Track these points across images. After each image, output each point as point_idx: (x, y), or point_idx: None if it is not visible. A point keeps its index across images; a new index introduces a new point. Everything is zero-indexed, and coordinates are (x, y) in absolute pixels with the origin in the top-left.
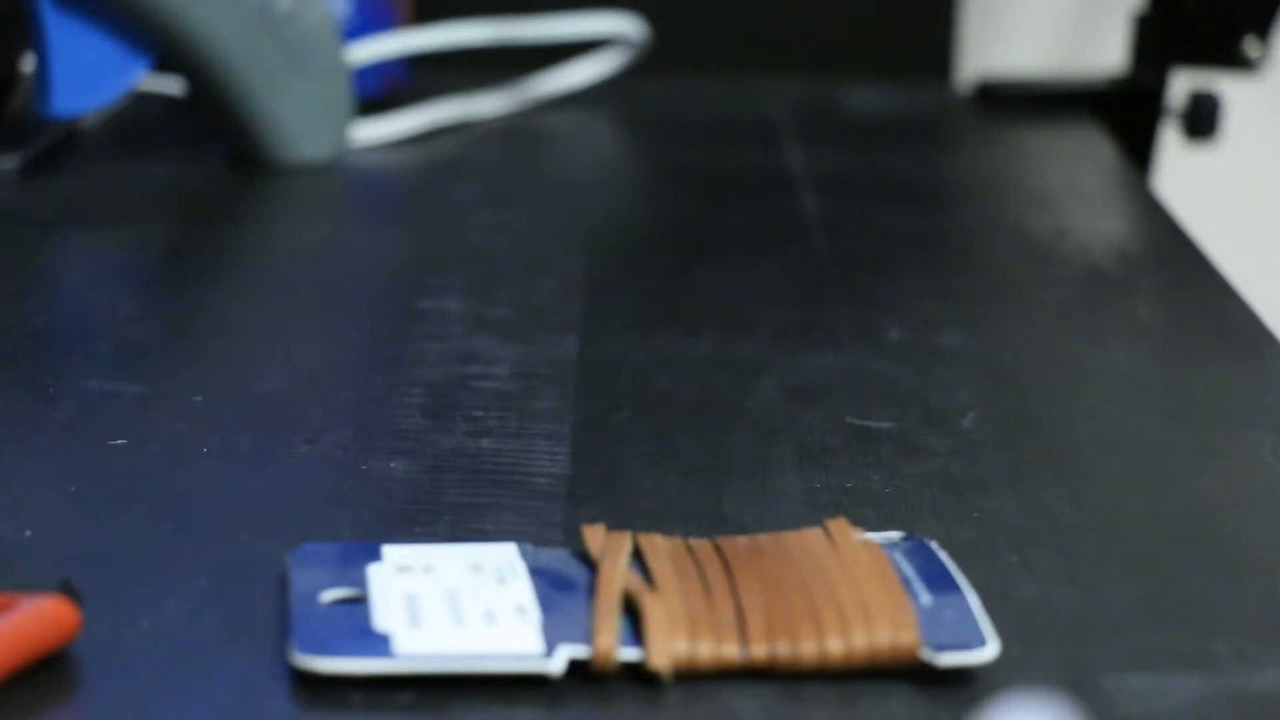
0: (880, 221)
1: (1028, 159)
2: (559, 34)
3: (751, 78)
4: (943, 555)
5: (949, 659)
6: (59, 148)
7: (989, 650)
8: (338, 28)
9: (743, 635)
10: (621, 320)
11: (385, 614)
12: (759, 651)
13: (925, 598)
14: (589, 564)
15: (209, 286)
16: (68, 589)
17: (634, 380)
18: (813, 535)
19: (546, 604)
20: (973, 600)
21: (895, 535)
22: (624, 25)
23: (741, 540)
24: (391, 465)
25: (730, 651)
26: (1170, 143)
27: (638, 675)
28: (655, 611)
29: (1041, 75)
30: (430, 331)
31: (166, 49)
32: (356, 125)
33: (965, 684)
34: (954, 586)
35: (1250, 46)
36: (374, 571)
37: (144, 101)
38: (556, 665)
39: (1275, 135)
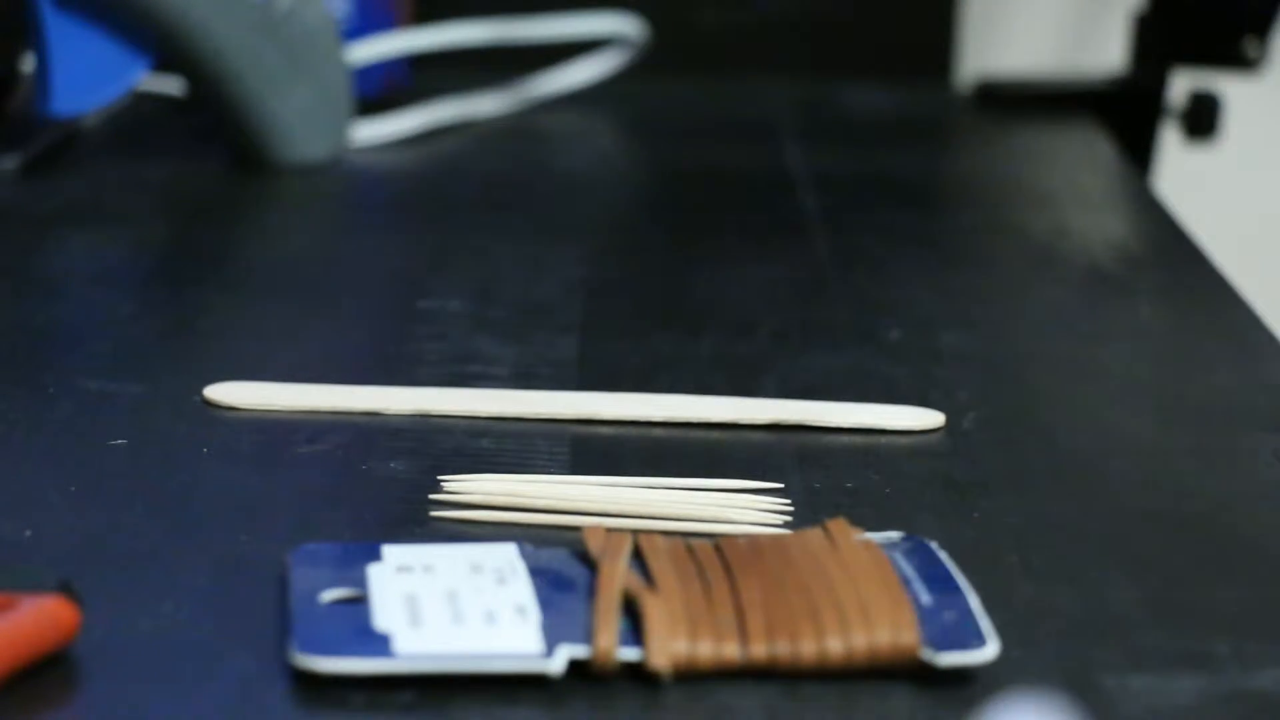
0: (880, 221)
1: (1028, 159)
2: (559, 34)
3: (751, 78)
4: (943, 555)
5: (949, 659)
6: (59, 148)
7: (989, 650)
8: (338, 28)
9: (743, 635)
10: (621, 320)
11: (385, 614)
12: (759, 651)
13: (925, 598)
14: (589, 564)
15: (209, 286)
16: (68, 589)
17: (634, 380)
18: (813, 535)
19: (546, 604)
20: (973, 600)
21: (895, 535)
22: (624, 25)
23: (742, 540)
24: (391, 465)
25: (730, 651)
26: (1170, 143)
27: (638, 675)
28: (655, 611)
29: (1041, 75)
30: (430, 331)
31: (166, 49)
32: (356, 125)
33: (965, 684)
34: (954, 586)
35: (1250, 46)
36: (374, 571)
37: (144, 101)
38: (556, 665)
39: (1275, 135)
